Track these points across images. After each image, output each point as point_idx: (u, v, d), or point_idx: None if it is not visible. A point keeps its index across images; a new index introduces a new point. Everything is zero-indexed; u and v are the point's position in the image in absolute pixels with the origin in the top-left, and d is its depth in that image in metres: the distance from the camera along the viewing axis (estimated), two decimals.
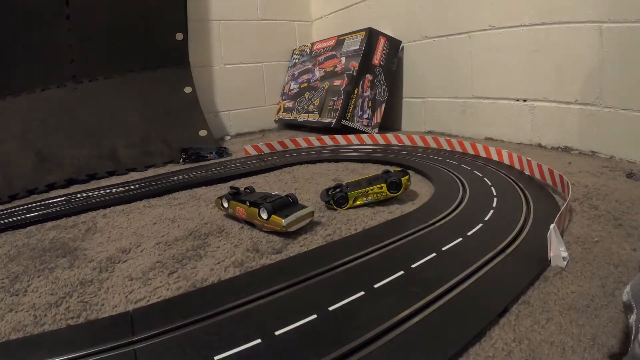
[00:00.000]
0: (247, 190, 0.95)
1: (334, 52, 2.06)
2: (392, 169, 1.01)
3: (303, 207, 0.83)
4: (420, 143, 1.54)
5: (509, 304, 0.52)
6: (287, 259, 0.70)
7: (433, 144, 1.49)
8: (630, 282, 0.45)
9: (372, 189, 0.94)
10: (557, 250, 0.61)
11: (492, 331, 0.47)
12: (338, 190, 0.95)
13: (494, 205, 0.85)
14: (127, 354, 0.46)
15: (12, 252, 0.83)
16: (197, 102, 1.94)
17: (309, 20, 2.57)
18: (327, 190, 0.98)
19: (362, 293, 0.54)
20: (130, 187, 1.26)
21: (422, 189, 1.06)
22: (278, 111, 2.41)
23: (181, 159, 1.64)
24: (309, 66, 2.24)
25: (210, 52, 2.21)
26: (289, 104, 2.29)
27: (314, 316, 0.50)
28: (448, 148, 1.43)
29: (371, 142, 1.66)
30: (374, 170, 1.25)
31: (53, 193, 1.34)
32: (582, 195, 0.90)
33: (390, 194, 0.94)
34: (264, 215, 0.81)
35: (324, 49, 2.17)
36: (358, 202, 0.95)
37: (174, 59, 1.94)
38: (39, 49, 1.67)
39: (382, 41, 1.86)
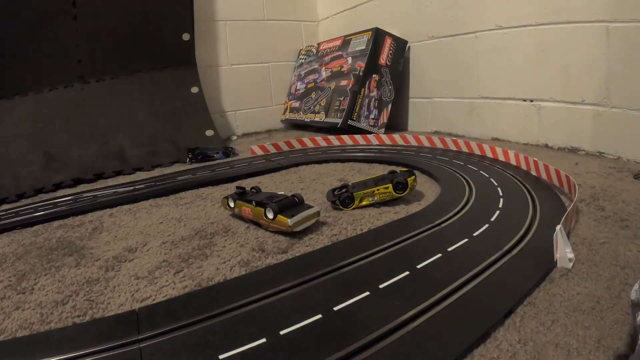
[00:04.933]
0: (253, 190, 0.95)
1: (341, 52, 2.06)
2: (398, 169, 1.01)
3: (309, 207, 0.84)
4: (426, 143, 1.54)
5: (514, 305, 0.51)
6: (292, 258, 0.70)
7: (439, 144, 1.49)
8: (639, 280, 0.45)
9: (378, 189, 0.94)
10: (563, 252, 0.60)
11: (497, 332, 0.47)
12: (344, 190, 0.96)
13: (500, 205, 0.84)
14: (133, 352, 0.46)
15: (20, 251, 0.84)
16: (203, 102, 1.95)
17: (315, 21, 2.58)
18: (333, 190, 0.98)
19: (368, 293, 0.54)
20: (137, 187, 1.27)
21: (428, 189, 1.06)
22: (284, 111, 2.41)
23: (188, 159, 1.65)
24: (316, 66, 2.24)
25: (217, 52, 2.22)
26: (296, 104, 2.29)
27: (319, 316, 0.50)
28: (454, 148, 1.43)
29: (377, 142, 1.66)
30: (380, 170, 1.24)
31: (60, 192, 1.35)
32: (589, 196, 0.90)
33: (397, 194, 0.94)
34: (270, 215, 0.81)
35: (330, 49, 2.17)
36: (364, 202, 0.95)
37: (180, 59, 1.94)
38: (46, 49, 1.68)
39: (388, 41, 1.85)
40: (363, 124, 1.84)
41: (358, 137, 1.69)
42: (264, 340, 0.46)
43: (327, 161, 1.44)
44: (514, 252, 0.64)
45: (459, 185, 1.01)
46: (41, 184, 1.38)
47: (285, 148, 1.71)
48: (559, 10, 1.29)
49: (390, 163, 1.32)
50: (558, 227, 0.61)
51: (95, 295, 0.63)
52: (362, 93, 1.83)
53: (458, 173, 1.10)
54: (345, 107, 1.83)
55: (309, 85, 2.24)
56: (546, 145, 1.41)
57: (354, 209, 0.94)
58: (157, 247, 0.80)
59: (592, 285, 0.55)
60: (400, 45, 1.88)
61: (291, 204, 0.84)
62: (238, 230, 0.86)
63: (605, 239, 0.69)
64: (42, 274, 0.72)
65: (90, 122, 1.67)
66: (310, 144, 1.72)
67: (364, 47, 1.88)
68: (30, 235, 0.93)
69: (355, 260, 0.65)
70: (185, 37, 1.93)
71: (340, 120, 1.83)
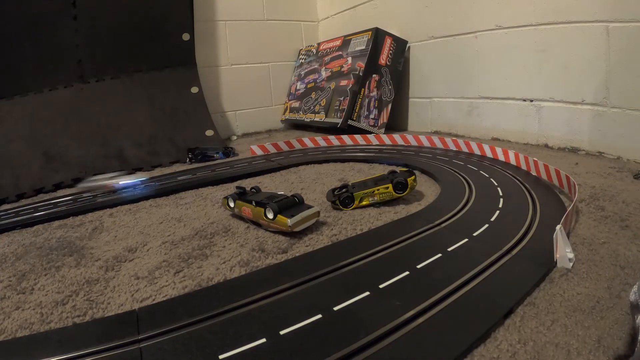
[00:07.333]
0: (253, 190, 0.95)
1: (340, 52, 2.06)
2: (398, 169, 1.01)
3: (309, 207, 0.84)
4: (426, 143, 1.54)
5: (514, 305, 0.51)
6: (292, 258, 0.70)
7: (439, 144, 1.49)
8: (638, 282, 0.45)
9: (378, 189, 0.94)
10: (563, 252, 0.60)
11: (497, 332, 0.47)
12: (344, 190, 0.96)
13: (500, 206, 0.84)
14: (133, 352, 0.46)
15: (19, 251, 0.84)
16: (203, 102, 1.95)
17: (315, 21, 2.58)
18: (333, 190, 0.98)
19: (368, 293, 0.54)
20: (137, 187, 1.27)
21: (428, 189, 1.06)
22: (284, 111, 2.41)
23: (188, 159, 1.65)
24: (316, 66, 2.24)
25: (217, 52, 2.22)
26: (296, 104, 2.29)
27: (319, 316, 0.50)
28: (454, 148, 1.43)
29: (377, 142, 1.66)
30: (380, 170, 1.25)
31: (60, 192, 1.35)
32: (589, 196, 0.90)
33: (397, 194, 0.94)
34: (270, 215, 0.81)
35: (330, 49, 2.17)
36: (364, 202, 0.95)
37: (180, 59, 1.94)
38: (46, 49, 1.68)
39: (388, 41, 1.85)
40: (363, 124, 1.84)
41: (358, 137, 1.69)
42: (264, 340, 0.46)
43: (327, 161, 1.44)
44: (514, 252, 0.64)
45: (459, 185, 1.01)
46: (41, 184, 1.38)
47: (285, 148, 1.71)
48: (559, 10, 1.29)
49: (390, 163, 1.32)
50: (558, 227, 0.61)
51: (95, 295, 0.63)
52: (362, 93, 1.83)
53: (458, 173, 1.10)
54: (345, 107, 1.83)
55: (309, 85, 2.24)
56: (546, 145, 1.41)
57: (353, 209, 0.94)
58: (157, 247, 0.80)
59: (592, 285, 0.55)
60: (400, 45, 1.88)
61: (291, 204, 0.84)
62: (238, 230, 0.86)
63: (605, 239, 0.69)
64: (42, 274, 0.72)
65: (90, 122, 1.67)
66: (310, 144, 1.72)
67: (364, 47, 1.88)
68: (30, 235, 0.93)
69: (355, 260, 0.65)
70: (185, 37, 1.93)
71: (340, 120, 1.83)
